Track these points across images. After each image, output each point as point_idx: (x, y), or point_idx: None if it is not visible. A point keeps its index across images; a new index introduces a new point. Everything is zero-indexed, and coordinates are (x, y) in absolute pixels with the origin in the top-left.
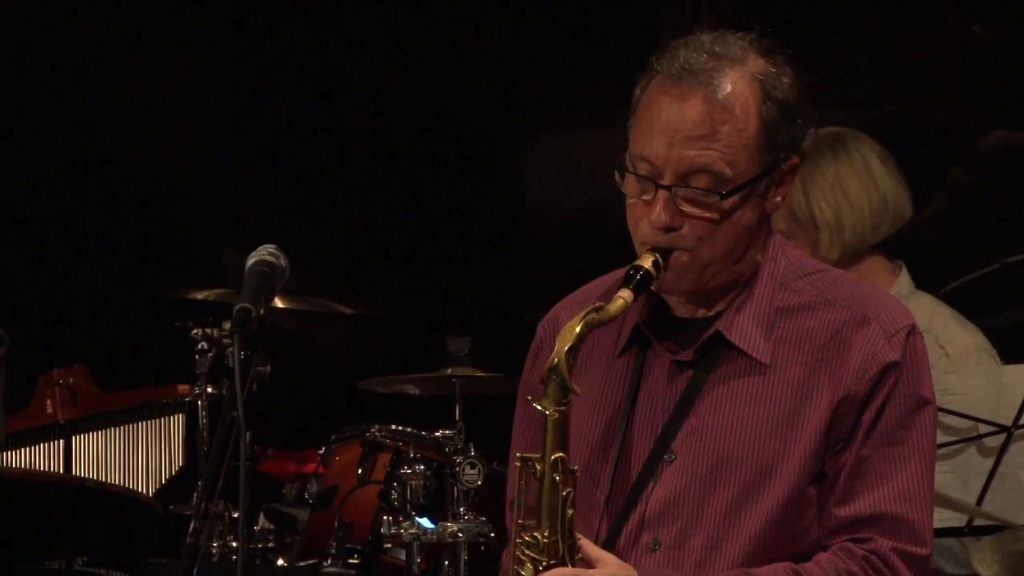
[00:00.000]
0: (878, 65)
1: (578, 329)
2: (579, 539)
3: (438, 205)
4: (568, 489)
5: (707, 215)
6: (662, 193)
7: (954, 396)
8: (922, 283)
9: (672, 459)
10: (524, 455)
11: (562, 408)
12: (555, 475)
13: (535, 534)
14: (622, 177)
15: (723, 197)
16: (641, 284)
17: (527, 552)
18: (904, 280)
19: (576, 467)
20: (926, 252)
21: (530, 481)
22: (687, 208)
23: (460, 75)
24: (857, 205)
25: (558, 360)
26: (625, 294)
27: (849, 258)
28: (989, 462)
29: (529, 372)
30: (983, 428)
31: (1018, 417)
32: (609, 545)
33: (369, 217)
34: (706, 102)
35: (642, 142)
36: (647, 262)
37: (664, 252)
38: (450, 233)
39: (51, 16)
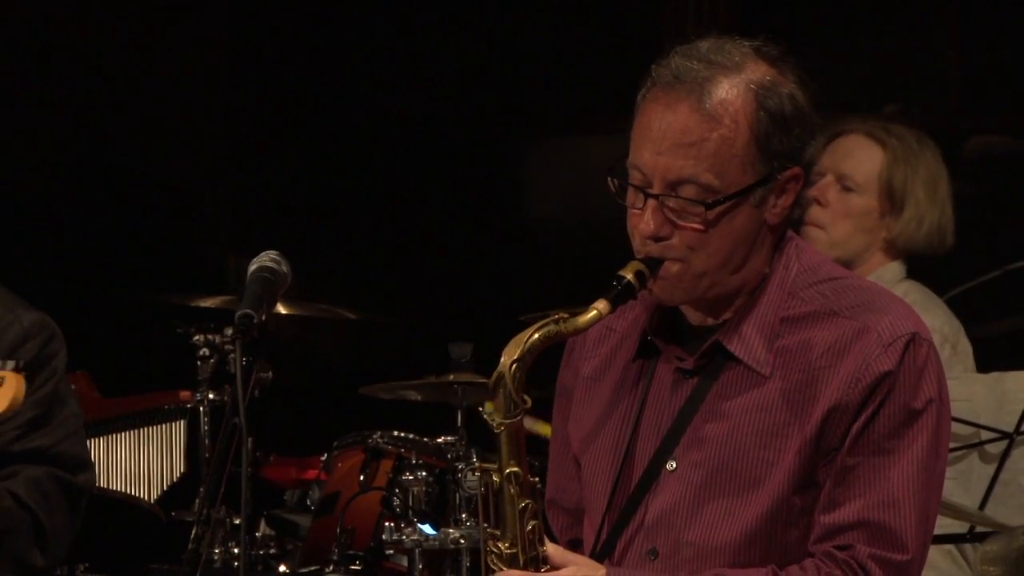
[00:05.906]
0: (880, 67)
1: (529, 342)
2: (546, 548)
3: (441, 211)
4: (526, 501)
5: (694, 225)
6: (650, 202)
7: (955, 402)
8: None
9: (674, 468)
10: (483, 465)
11: (511, 420)
12: (510, 488)
13: (499, 544)
14: (619, 186)
15: (708, 207)
16: (621, 295)
17: (496, 562)
18: (895, 267)
19: (538, 480)
20: (927, 257)
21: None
22: (675, 218)
23: (463, 82)
24: (945, 210)
25: (503, 372)
26: (601, 305)
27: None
28: (991, 468)
29: (563, 372)
30: (985, 435)
31: (1020, 423)
32: (607, 551)
33: (371, 223)
34: (693, 111)
35: (634, 151)
36: (629, 272)
37: (655, 262)
38: (452, 239)
39: (52, 19)
